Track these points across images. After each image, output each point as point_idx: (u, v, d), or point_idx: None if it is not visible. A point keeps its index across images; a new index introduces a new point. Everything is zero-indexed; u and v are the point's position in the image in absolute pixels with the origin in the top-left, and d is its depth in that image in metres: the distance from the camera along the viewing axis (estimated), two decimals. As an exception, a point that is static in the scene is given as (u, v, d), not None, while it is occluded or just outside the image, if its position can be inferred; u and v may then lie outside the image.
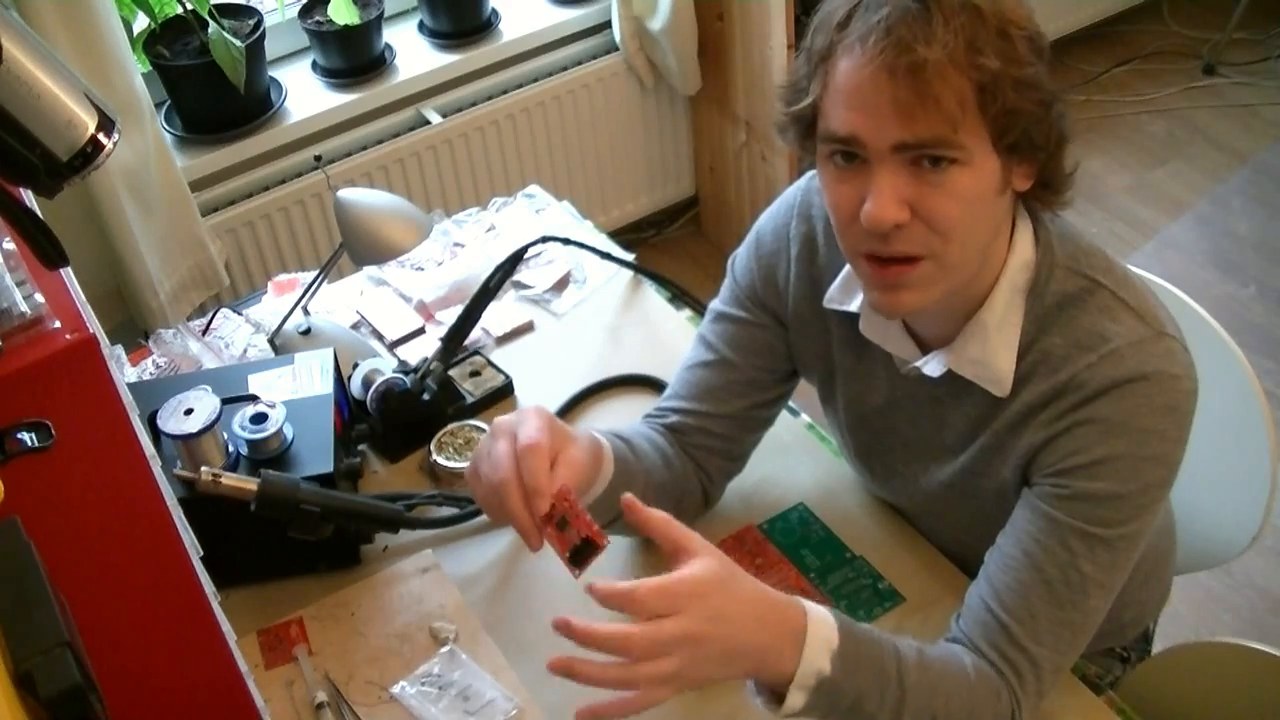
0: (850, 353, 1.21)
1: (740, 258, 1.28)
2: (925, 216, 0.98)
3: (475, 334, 1.58)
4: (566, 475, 1.01)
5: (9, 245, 0.79)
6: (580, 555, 0.97)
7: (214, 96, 2.27)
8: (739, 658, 0.94)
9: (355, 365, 1.46)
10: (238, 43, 2.18)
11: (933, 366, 1.11)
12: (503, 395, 1.53)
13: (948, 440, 1.16)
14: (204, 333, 1.66)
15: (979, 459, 1.13)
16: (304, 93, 2.44)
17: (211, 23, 2.18)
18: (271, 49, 2.39)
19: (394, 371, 1.44)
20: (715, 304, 1.30)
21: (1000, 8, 0.95)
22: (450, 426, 1.45)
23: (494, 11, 2.58)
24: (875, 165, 0.98)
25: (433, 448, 1.43)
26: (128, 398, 0.81)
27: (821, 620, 0.98)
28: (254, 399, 1.30)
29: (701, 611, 0.92)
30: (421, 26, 2.58)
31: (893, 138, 0.96)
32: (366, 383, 1.43)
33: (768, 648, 0.95)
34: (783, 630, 0.96)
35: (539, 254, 1.72)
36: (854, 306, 1.16)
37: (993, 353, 1.07)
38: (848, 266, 1.14)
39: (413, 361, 1.49)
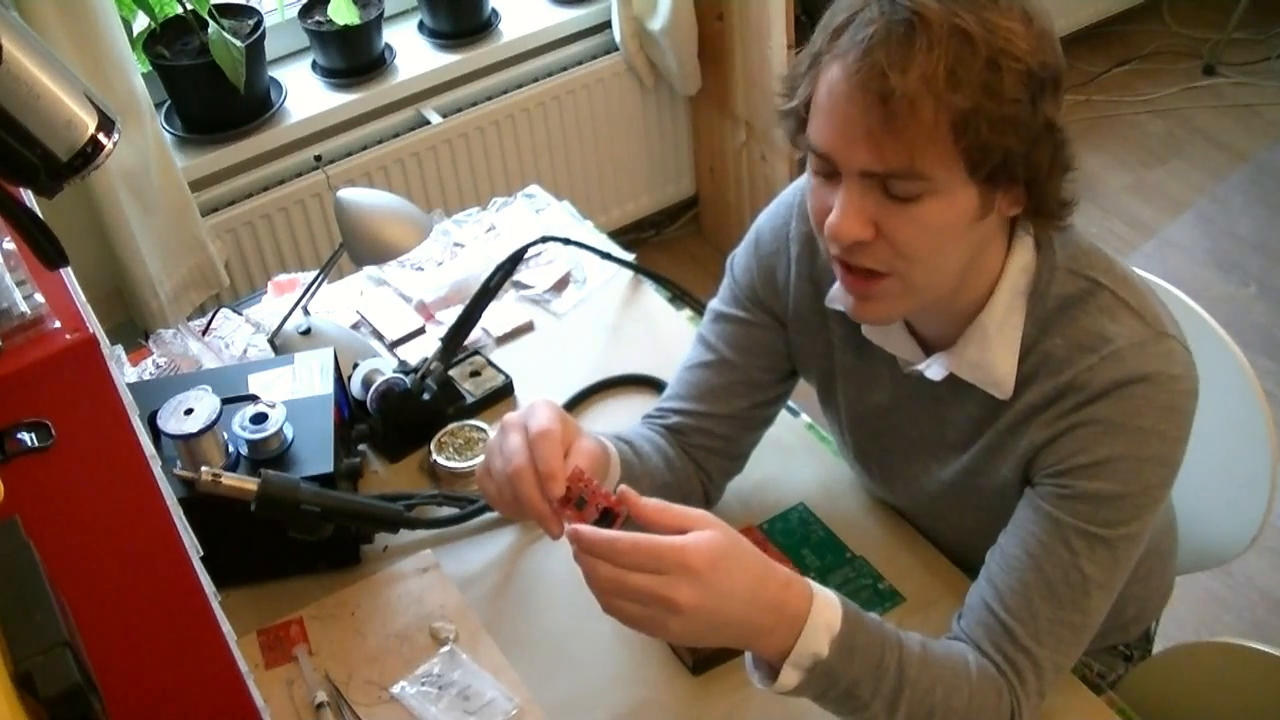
0: (851, 353, 1.21)
1: (739, 257, 1.28)
2: (890, 239, 0.98)
3: (475, 334, 1.58)
4: (580, 463, 1.00)
5: (9, 245, 0.79)
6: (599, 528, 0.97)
7: (214, 96, 2.27)
8: (719, 632, 0.94)
9: (355, 365, 1.46)
10: (238, 43, 2.18)
11: (934, 370, 1.11)
12: (503, 395, 1.53)
13: (949, 440, 1.16)
14: (204, 333, 1.66)
15: (980, 459, 1.13)
16: (304, 93, 2.44)
17: (211, 23, 2.18)
18: (271, 49, 2.39)
19: (394, 371, 1.44)
20: (714, 304, 1.29)
21: (996, 38, 0.92)
22: (450, 426, 1.45)
23: (494, 11, 2.58)
24: (845, 182, 0.98)
25: (433, 448, 1.43)
26: (128, 398, 0.81)
27: (826, 604, 0.98)
28: (254, 399, 1.30)
29: (686, 582, 0.91)
30: (421, 26, 2.58)
31: (860, 164, 0.96)
32: (366, 383, 1.43)
33: (757, 627, 0.95)
34: (778, 612, 0.96)
35: (539, 254, 1.72)
36: None
37: (993, 355, 1.07)
38: None
39: (413, 361, 1.49)
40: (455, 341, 1.51)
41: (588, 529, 0.93)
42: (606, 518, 0.97)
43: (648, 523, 0.96)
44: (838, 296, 1.17)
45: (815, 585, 0.99)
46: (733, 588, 0.93)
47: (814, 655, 0.96)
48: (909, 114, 0.92)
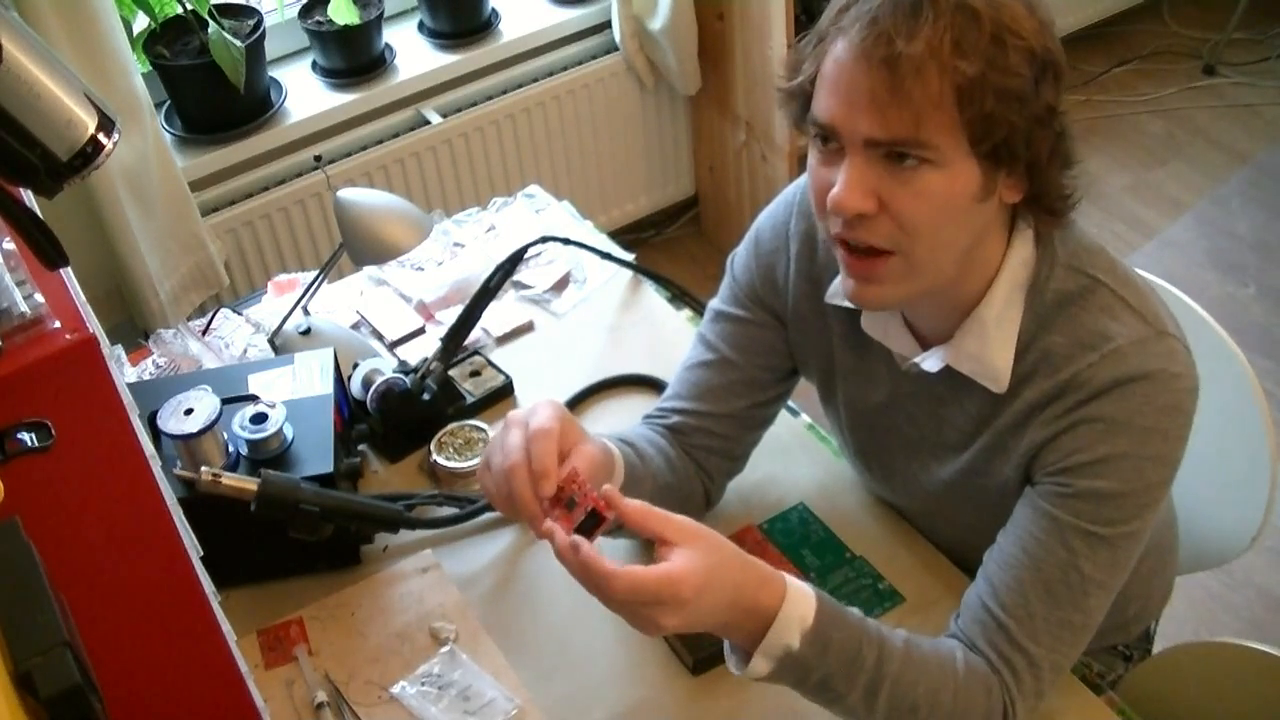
0: (851, 350, 1.21)
1: (739, 256, 1.28)
2: (893, 212, 0.98)
3: (475, 334, 1.58)
4: (581, 465, 1.01)
5: (9, 245, 0.79)
6: (585, 528, 0.98)
7: (214, 96, 2.27)
8: (696, 629, 0.98)
9: (355, 365, 1.46)
10: (238, 43, 2.18)
11: (931, 362, 1.11)
12: (503, 395, 1.53)
13: (948, 439, 1.16)
14: (204, 333, 1.66)
15: (980, 458, 1.13)
16: (304, 93, 2.44)
17: (211, 23, 2.18)
18: (271, 49, 2.39)
19: (394, 371, 1.44)
20: (715, 303, 1.30)
21: (1001, 15, 0.94)
22: (450, 426, 1.45)
23: (494, 11, 2.58)
24: (849, 154, 0.98)
25: (433, 448, 1.43)
26: (128, 398, 0.81)
27: (800, 599, 0.99)
28: (254, 399, 1.30)
29: (669, 607, 0.94)
30: (421, 26, 2.58)
31: (864, 132, 0.96)
32: (366, 383, 1.43)
33: (732, 625, 0.99)
34: (752, 614, 0.98)
35: (539, 254, 1.72)
36: None
37: (991, 349, 1.07)
38: None
39: (413, 361, 1.49)
40: (455, 341, 1.51)
41: (589, 551, 0.94)
42: (593, 518, 0.98)
43: (631, 525, 0.97)
44: (837, 292, 1.17)
45: (792, 581, 1.00)
46: (714, 603, 0.96)
47: (784, 647, 0.98)
48: (915, 80, 0.93)
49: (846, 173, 0.98)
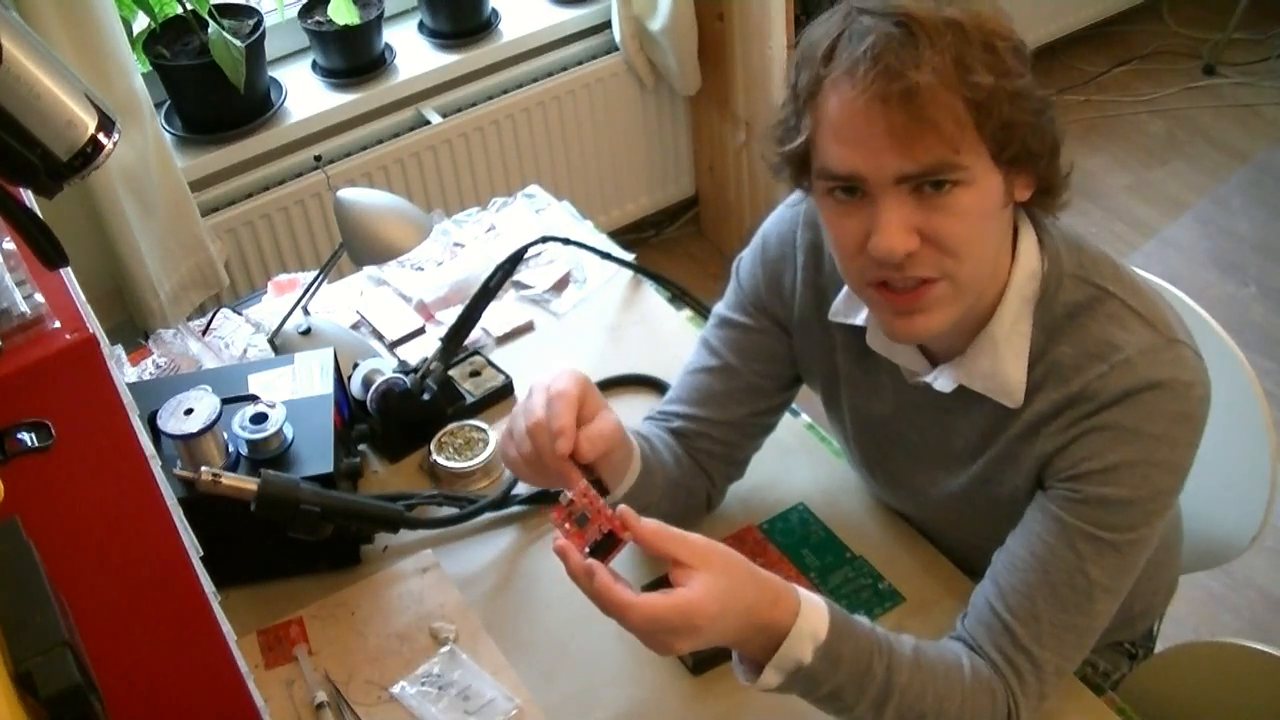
0: (855, 362, 1.20)
1: (745, 262, 1.27)
2: (934, 240, 0.98)
3: (475, 334, 1.58)
4: (601, 431, 1.05)
5: (9, 245, 0.79)
6: (601, 550, 0.98)
7: (214, 96, 2.27)
8: (711, 646, 0.98)
9: (355, 365, 1.46)
10: (238, 43, 2.18)
11: (943, 382, 1.10)
12: (503, 395, 1.53)
13: (956, 450, 1.16)
14: (204, 333, 1.66)
15: (990, 468, 1.13)
16: (304, 93, 2.44)
17: (211, 23, 2.18)
18: (271, 49, 2.39)
19: (394, 371, 1.44)
20: (719, 308, 1.29)
21: (982, 22, 0.95)
22: (450, 426, 1.45)
23: (494, 11, 2.58)
24: (878, 197, 0.97)
25: (433, 448, 1.43)
26: (128, 398, 0.81)
27: (813, 614, 0.99)
28: (254, 399, 1.30)
29: (683, 633, 0.95)
30: (421, 26, 2.58)
31: (894, 170, 0.95)
32: (366, 383, 1.43)
33: (743, 641, 0.99)
34: (765, 630, 0.98)
35: (539, 254, 1.72)
36: (860, 320, 1.15)
37: (1003, 365, 1.07)
38: None
39: (413, 361, 1.49)
40: (455, 341, 1.51)
41: (604, 579, 0.95)
42: (610, 540, 0.98)
43: (645, 545, 0.97)
44: (840, 310, 1.17)
45: (805, 595, 1.00)
46: (729, 625, 0.96)
47: (796, 661, 0.98)
48: (936, 106, 0.93)
49: (884, 216, 0.97)
